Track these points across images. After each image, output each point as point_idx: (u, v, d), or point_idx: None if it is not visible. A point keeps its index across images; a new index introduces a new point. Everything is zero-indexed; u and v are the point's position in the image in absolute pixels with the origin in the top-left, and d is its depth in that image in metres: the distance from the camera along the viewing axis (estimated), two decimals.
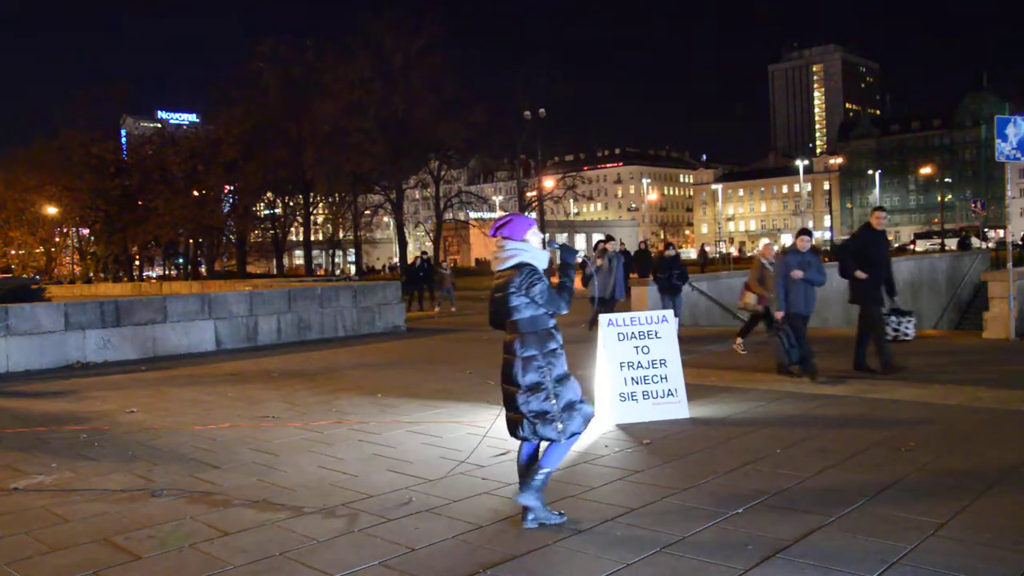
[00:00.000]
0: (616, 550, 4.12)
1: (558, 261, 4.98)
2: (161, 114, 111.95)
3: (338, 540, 4.41)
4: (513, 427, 4.53)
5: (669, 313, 7.85)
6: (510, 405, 4.51)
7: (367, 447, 6.61)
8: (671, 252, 14.02)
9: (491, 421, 6.75)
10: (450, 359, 12.53)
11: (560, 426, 4.42)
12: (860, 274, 9.49)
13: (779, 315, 9.24)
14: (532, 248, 4.54)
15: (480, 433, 6.60)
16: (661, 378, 7.46)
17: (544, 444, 4.60)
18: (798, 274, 9.11)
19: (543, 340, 4.47)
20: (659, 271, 13.87)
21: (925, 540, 4.10)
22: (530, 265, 4.48)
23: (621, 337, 7.48)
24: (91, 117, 53.80)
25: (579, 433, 4.51)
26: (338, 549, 4.27)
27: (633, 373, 7.40)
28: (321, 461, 6.18)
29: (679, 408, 7.42)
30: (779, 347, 9.20)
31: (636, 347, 7.50)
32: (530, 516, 4.48)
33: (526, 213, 50.41)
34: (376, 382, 10.26)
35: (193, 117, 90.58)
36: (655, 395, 7.41)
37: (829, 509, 4.61)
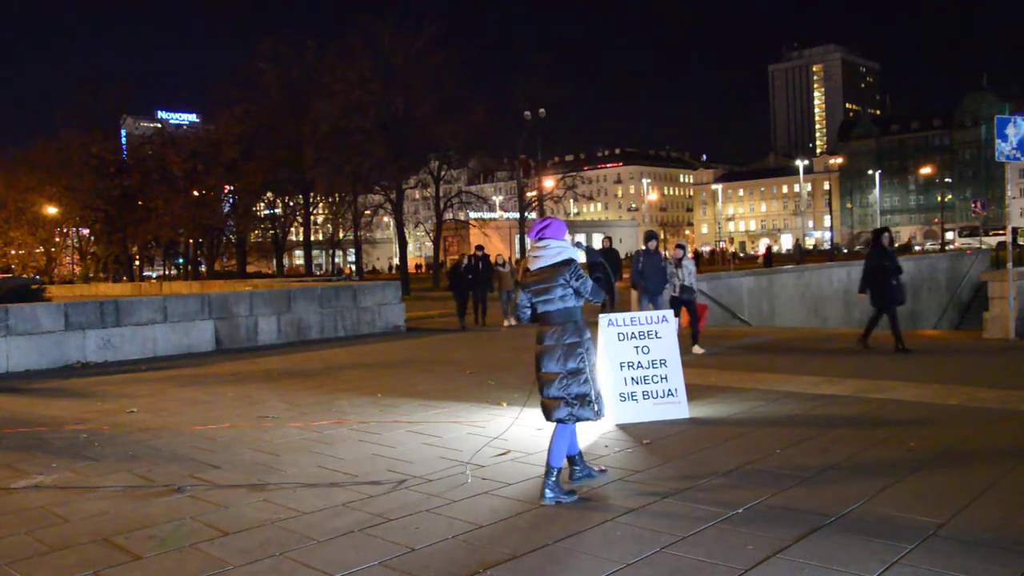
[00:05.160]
0: (616, 550, 4.12)
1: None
2: (161, 114, 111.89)
3: (338, 540, 4.40)
4: (548, 411, 5.02)
5: (669, 313, 7.83)
6: (548, 390, 4.99)
7: (367, 447, 6.61)
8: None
9: (496, 423, 6.76)
10: (450, 359, 12.53)
11: (596, 407, 5.00)
12: None
13: None
14: (572, 247, 5.12)
15: (479, 433, 6.61)
16: (661, 378, 7.45)
17: (551, 431, 5.10)
18: None
19: (581, 330, 5.01)
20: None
21: (925, 540, 4.10)
22: (575, 261, 5.05)
23: (621, 337, 7.47)
24: (91, 117, 53.71)
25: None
26: (338, 549, 4.27)
27: (633, 373, 7.40)
28: (321, 461, 6.18)
29: (679, 408, 7.42)
30: None
31: (636, 347, 7.49)
32: (549, 495, 4.95)
33: (527, 213, 50.45)
34: (376, 382, 10.26)
35: (193, 117, 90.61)
36: (655, 395, 7.41)
37: (829, 509, 4.61)
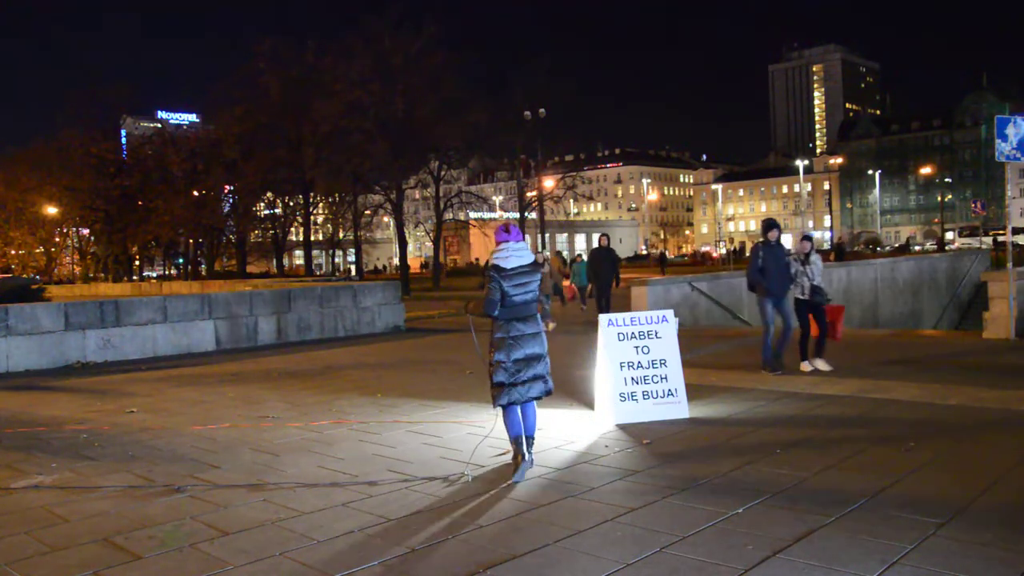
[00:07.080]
0: (616, 550, 4.12)
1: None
2: (161, 114, 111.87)
3: (338, 540, 4.40)
4: (536, 388, 5.72)
5: (669, 313, 7.82)
6: (538, 368, 5.75)
7: (367, 447, 6.62)
8: None
9: (496, 423, 6.76)
10: (450, 359, 12.52)
11: None
12: None
13: None
14: None
15: (479, 433, 6.61)
16: (661, 378, 7.45)
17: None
18: None
19: None
20: None
21: (925, 540, 4.10)
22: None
23: (621, 337, 7.47)
24: (91, 117, 53.66)
25: None
26: (338, 549, 4.27)
27: (633, 373, 7.40)
28: (321, 461, 6.18)
29: (679, 408, 7.42)
30: None
31: (636, 347, 7.49)
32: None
33: (526, 213, 50.44)
34: (376, 382, 10.26)
35: (193, 117, 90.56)
36: (655, 395, 7.40)
37: (829, 509, 4.61)
